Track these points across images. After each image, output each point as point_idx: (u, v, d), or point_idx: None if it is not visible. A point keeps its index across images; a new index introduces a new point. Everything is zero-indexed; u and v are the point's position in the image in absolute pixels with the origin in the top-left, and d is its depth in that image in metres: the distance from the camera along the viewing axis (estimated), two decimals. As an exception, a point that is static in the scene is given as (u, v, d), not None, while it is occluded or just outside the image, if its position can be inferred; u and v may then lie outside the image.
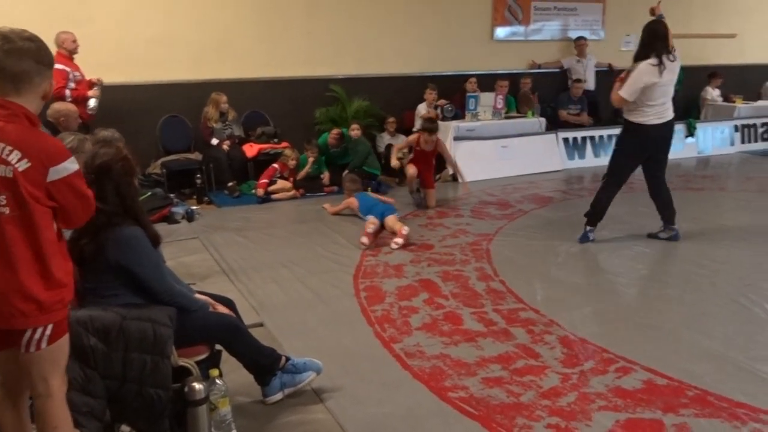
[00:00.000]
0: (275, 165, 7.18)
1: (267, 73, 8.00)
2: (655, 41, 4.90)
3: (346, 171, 7.25)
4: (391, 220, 5.62)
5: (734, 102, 10.40)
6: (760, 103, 10.66)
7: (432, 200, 6.77)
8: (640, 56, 4.95)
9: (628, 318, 3.95)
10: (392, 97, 8.61)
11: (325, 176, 7.47)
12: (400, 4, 8.63)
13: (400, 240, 5.35)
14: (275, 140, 7.74)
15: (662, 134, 5.10)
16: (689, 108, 10.75)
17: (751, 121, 10.14)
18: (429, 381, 3.20)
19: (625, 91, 4.93)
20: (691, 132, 9.61)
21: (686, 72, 10.52)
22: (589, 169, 8.71)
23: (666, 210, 5.37)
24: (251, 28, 7.84)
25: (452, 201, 7.10)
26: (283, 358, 3.00)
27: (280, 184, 7.10)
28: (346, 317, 3.98)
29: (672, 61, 4.91)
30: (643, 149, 5.14)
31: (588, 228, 5.41)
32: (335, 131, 7.65)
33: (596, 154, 8.98)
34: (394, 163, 6.90)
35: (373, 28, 8.51)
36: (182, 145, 7.59)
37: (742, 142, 10.01)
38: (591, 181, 8.04)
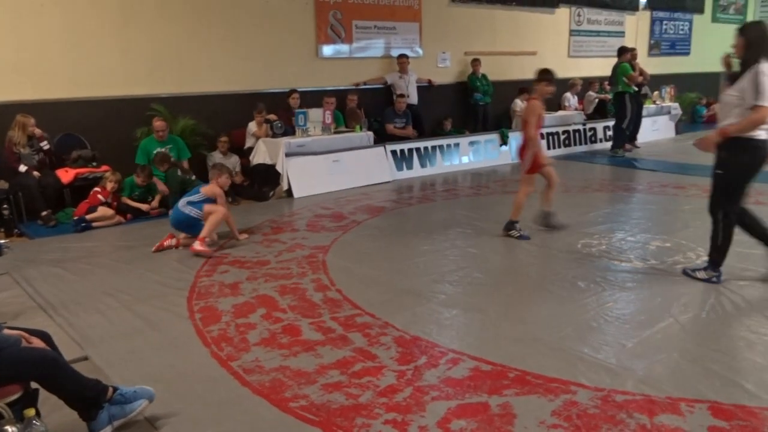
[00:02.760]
0: (97, 189, 6.74)
1: (79, 93, 7.49)
2: (765, 44, 4.17)
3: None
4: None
5: (539, 113, 11.50)
6: (560, 113, 11.91)
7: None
8: (750, 59, 4.16)
9: (455, 313, 4.21)
10: (220, 116, 8.46)
11: (155, 200, 7.22)
12: (221, 21, 8.52)
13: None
14: (94, 164, 7.28)
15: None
16: (501, 119, 11.75)
17: (554, 129, 11.29)
18: (269, 394, 3.18)
19: (766, 101, 4.03)
20: (504, 141, 10.50)
21: (496, 86, 11.55)
22: (417, 178, 9.20)
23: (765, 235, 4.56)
24: (57, 44, 7.31)
25: (287, 216, 7.12)
26: (110, 389, 2.82)
27: (101, 211, 6.65)
28: (179, 341, 3.84)
29: None
30: (758, 169, 4.34)
31: (719, 271, 4.63)
32: (158, 121, 7.42)
33: (422, 165, 9.50)
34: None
35: (195, 46, 8.31)
36: (-17, 174, 6.87)
37: (548, 148, 11.10)
38: (419, 190, 8.48)
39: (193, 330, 3.98)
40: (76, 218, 6.56)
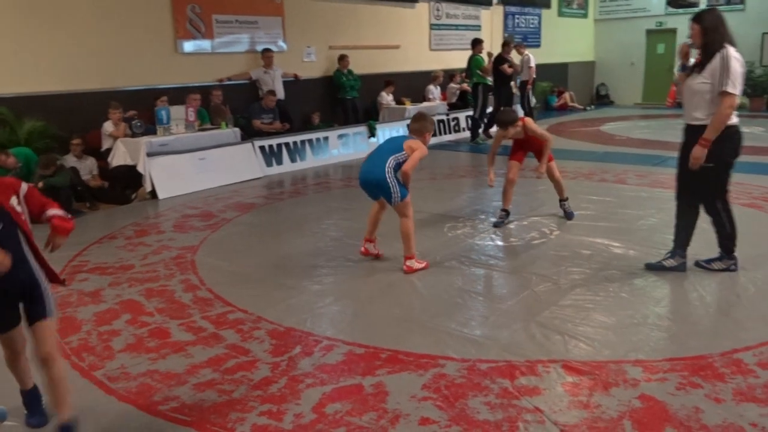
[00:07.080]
0: None
1: None
2: (726, 29, 4.11)
3: None
4: None
5: (405, 104, 11.83)
6: (424, 104, 12.29)
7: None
8: (712, 45, 4.08)
9: (329, 302, 4.26)
10: (72, 116, 7.92)
11: None
12: (66, 15, 7.95)
13: None
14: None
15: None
16: (369, 111, 11.94)
17: (419, 120, 11.62)
18: (137, 400, 3.06)
19: (736, 88, 4.01)
20: (372, 133, 10.68)
21: (363, 79, 11.70)
22: (287, 173, 9.14)
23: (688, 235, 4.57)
24: None
25: (152, 218, 6.83)
26: (-47, 412, 2.59)
27: None
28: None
29: None
30: (739, 153, 4.28)
31: (735, 257, 4.53)
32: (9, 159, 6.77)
33: (293, 159, 9.45)
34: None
35: (39, 42, 7.71)
36: None
37: (415, 138, 11.42)
38: (290, 185, 8.44)
39: (50, 342, 3.73)
40: None
